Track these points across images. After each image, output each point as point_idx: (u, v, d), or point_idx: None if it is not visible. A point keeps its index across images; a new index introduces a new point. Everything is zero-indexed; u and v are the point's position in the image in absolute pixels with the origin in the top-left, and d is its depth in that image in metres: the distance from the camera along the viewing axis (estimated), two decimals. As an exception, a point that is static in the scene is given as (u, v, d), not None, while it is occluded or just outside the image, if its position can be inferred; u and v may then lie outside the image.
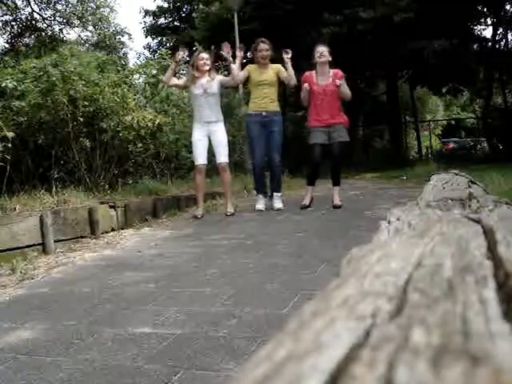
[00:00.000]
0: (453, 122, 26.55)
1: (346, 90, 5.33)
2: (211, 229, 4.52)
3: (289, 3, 13.33)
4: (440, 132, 25.90)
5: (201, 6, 15.73)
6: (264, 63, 5.41)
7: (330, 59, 5.31)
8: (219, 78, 5.45)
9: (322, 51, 5.29)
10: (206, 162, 5.32)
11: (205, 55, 5.39)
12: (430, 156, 18.29)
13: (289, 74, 5.34)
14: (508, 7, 16.29)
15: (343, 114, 5.40)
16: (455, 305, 0.31)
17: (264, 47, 5.37)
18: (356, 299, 0.33)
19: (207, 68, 5.27)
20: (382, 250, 0.51)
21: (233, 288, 2.41)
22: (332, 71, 5.33)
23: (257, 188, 5.68)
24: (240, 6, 11.14)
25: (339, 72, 5.34)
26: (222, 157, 5.32)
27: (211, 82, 5.25)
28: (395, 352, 0.25)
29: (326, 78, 5.29)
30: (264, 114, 5.40)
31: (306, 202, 5.36)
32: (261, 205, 5.46)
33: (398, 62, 15.66)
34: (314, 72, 5.36)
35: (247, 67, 5.60)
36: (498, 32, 16.67)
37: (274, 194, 5.53)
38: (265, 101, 5.42)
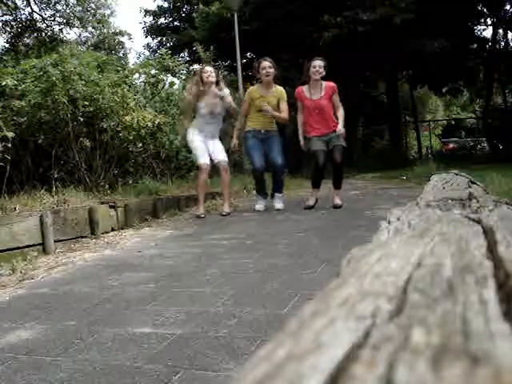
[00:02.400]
0: (453, 122, 26.55)
1: (338, 104, 5.40)
2: (211, 229, 4.52)
3: (289, 3, 13.34)
4: (440, 132, 25.89)
5: (201, 6, 15.73)
6: (267, 81, 5.36)
7: (324, 74, 5.33)
8: (226, 94, 5.41)
9: (319, 67, 5.29)
10: (209, 161, 5.33)
11: (209, 68, 5.41)
12: (429, 156, 18.28)
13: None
14: (508, 7, 16.30)
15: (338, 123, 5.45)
16: (455, 305, 0.31)
17: (267, 64, 5.32)
18: (356, 299, 0.33)
19: (213, 80, 5.27)
20: (382, 250, 0.51)
21: (233, 288, 2.41)
22: (325, 84, 5.36)
23: (257, 190, 5.67)
24: (240, 6, 11.13)
25: (330, 84, 5.37)
26: (221, 155, 5.34)
27: (218, 102, 5.28)
28: (395, 352, 0.25)
29: (319, 92, 5.34)
30: (263, 131, 5.44)
31: (311, 202, 5.38)
32: (260, 205, 5.47)
33: (398, 63, 15.67)
34: (305, 87, 5.39)
35: (250, 90, 5.60)
36: (498, 32, 16.67)
37: (276, 194, 5.53)
38: (263, 123, 5.45)
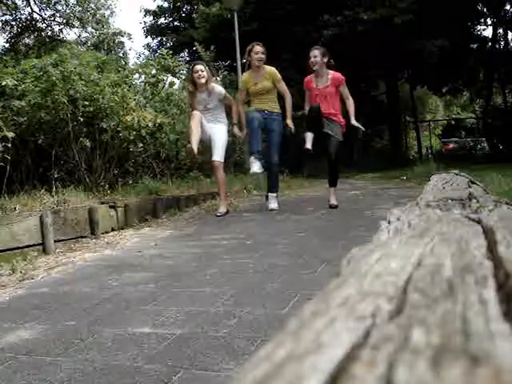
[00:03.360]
0: (453, 122, 26.57)
1: (347, 96, 5.39)
2: (211, 229, 4.52)
3: (289, 3, 13.35)
4: (440, 132, 25.91)
5: (201, 7, 15.72)
6: (258, 65, 5.44)
7: (325, 60, 5.32)
8: (219, 90, 5.44)
9: (314, 57, 5.30)
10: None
11: (198, 67, 5.39)
12: (430, 156, 18.29)
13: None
14: (508, 7, 16.31)
15: (341, 117, 5.43)
16: (455, 305, 0.31)
17: (260, 50, 5.40)
18: (356, 299, 0.33)
19: (203, 81, 5.28)
20: (382, 250, 0.51)
21: (233, 288, 2.41)
22: (331, 74, 5.34)
23: (251, 147, 5.49)
24: (240, 6, 11.13)
25: (337, 74, 5.35)
26: (215, 155, 5.33)
27: (211, 97, 5.33)
28: (395, 352, 0.25)
29: (324, 80, 5.34)
30: (267, 112, 5.44)
31: (308, 146, 5.22)
32: (256, 167, 5.25)
33: (398, 62, 15.67)
34: (313, 76, 5.42)
35: (242, 79, 5.70)
36: (498, 32, 16.68)
37: (269, 194, 5.49)
38: (266, 105, 5.46)
